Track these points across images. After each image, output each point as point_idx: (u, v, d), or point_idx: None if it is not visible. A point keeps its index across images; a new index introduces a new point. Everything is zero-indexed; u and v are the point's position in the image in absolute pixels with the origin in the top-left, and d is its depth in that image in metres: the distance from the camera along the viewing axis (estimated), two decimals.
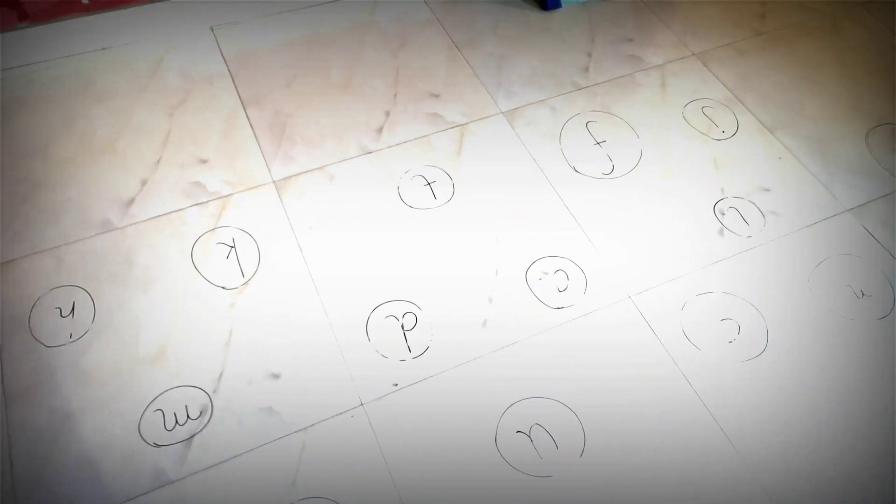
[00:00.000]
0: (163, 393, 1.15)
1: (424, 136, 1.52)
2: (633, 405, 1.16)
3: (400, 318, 1.25)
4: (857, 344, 1.24)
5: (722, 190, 1.46)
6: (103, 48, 1.66)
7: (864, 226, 1.40)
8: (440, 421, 1.14)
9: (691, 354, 1.22)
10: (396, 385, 1.17)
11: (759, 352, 1.23)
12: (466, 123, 1.55)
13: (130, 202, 1.38)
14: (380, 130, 1.52)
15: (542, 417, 1.15)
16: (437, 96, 1.60)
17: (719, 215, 1.41)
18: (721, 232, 1.39)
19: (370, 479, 1.08)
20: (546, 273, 1.32)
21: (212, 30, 1.71)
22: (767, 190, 1.46)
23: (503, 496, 1.07)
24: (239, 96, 1.58)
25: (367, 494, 1.06)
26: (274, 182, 1.42)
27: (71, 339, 1.20)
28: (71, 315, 1.23)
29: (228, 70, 1.63)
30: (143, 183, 1.41)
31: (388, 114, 1.56)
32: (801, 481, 1.09)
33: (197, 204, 1.38)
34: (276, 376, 1.17)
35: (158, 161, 1.45)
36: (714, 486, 1.09)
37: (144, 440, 1.10)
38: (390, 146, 1.50)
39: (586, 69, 1.67)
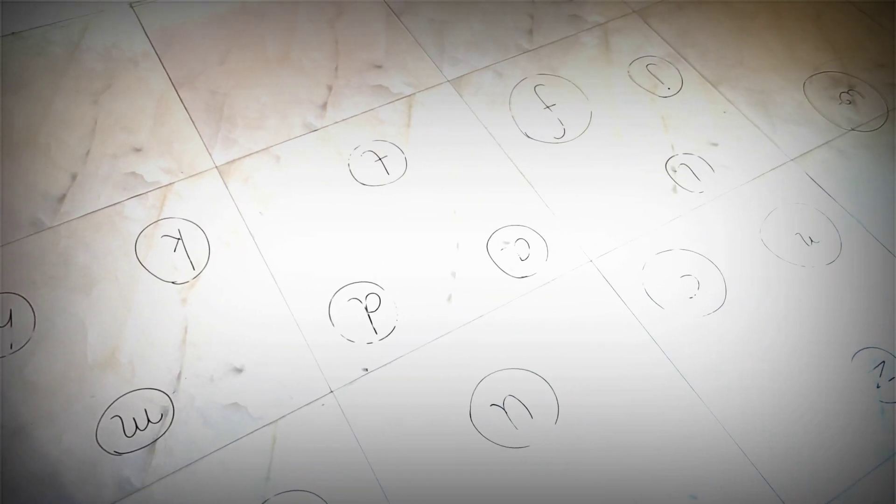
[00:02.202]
0: (119, 398, 1.09)
1: (371, 110, 1.47)
2: (602, 367, 1.17)
3: (363, 299, 1.22)
4: (810, 291, 1.28)
5: (672, 147, 1.47)
6: (13, 32, 1.53)
7: (808, 173, 1.44)
8: (413, 401, 1.12)
9: (654, 313, 1.24)
10: (366, 370, 1.14)
11: (718, 305, 1.26)
12: (413, 94, 1.50)
13: (61, 199, 1.29)
14: (324, 106, 1.46)
15: (514, 388, 1.14)
16: (380, 67, 1.54)
17: (671, 172, 1.42)
18: (674, 189, 1.40)
19: (347, 466, 1.05)
20: (507, 243, 1.30)
21: (131, 6, 1.59)
22: (715, 144, 1.48)
23: (482, 471, 1.06)
24: (169, 77, 1.48)
25: (344, 482, 1.04)
26: (217, 167, 1.35)
27: (12, 350, 1.12)
28: (9, 324, 1.14)
29: (154, 49, 1.53)
30: (73, 177, 1.32)
31: (330, 88, 1.50)
32: (764, 426, 1.13)
33: (135, 196, 1.30)
34: (238, 370, 1.13)
35: (87, 153, 1.35)
36: (682, 436, 1.11)
37: (104, 449, 1.04)
38: (336, 122, 1.44)
39: (530, 31, 1.64)
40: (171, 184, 1.32)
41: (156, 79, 1.48)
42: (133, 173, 1.33)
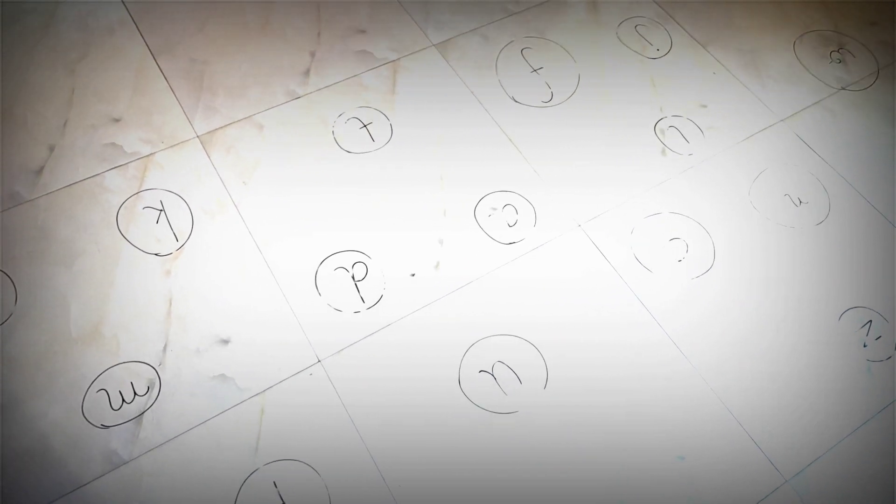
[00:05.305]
0: (104, 372, 1.08)
1: (355, 76, 1.44)
2: (590, 331, 1.17)
3: (350, 268, 1.21)
4: (800, 252, 1.28)
5: (661, 109, 1.45)
6: None
7: (798, 134, 1.43)
8: (401, 369, 1.12)
9: (644, 277, 1.23)
10: (413, 274, 1.15)
11: (707, 268, 1.25)
12: (398, 59, 1.47)
13: (39, 171, 1.26)
14: (307, 73, 1.43)
15: (503, 354, 1.14)
16: (363, 32, 1.51)
17: (660, 135, 1.41)
18: (663, 152, 1.38)
19: (336, 434, 1.05)
20: (495, 209, 1.29)
21: None
22: (704, 106, 1.46)
23: (472, 437, 1.06)
24: (147, 45, 1.45)
25: (334, 450, 1.04)
26: (198, 137, 1.33)
27: None
28: None
29: (131, 17, 1.49)
30: (51, 149, 1.29)
31: (313, 55, 1.46)
32: (754, 389, 1.13)
33: (115, 167, 1.28)
34: (225, 342, 1.12)
35: (65, 123, 1.32)
36: (671, 396, 1.11)
37: (90, 423, 1.04)
38: (319, 89, 1.41)
39: None
40: (151, 154, 1.30)
41: (133, 47, 1.44)
42: (112, 144, 1.30)
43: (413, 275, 1.12)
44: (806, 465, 1.07)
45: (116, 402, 1.06)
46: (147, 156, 1.29)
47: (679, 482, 1.05)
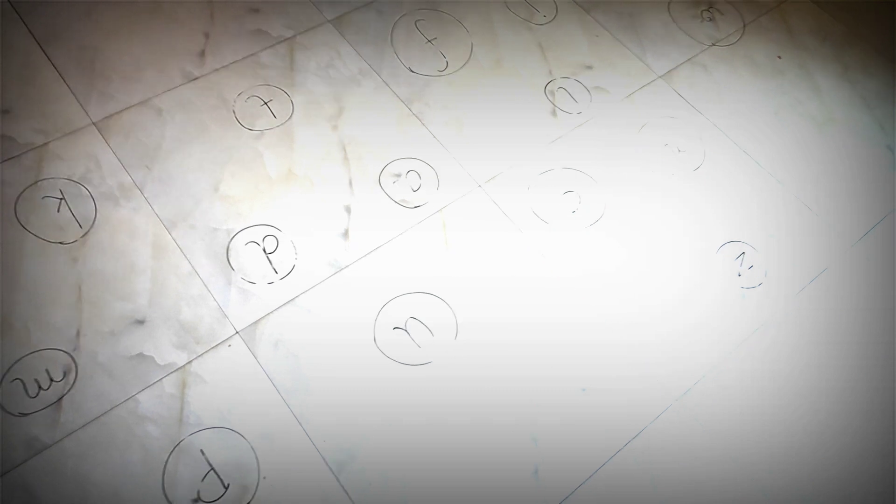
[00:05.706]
0: (17, 362, 1.08)
1: (252, 55, 1.45)
2: (495, 282, 1.25)
3: (260, 242, 1.24)
4: (680, 195, 1.39)
5: (550, 72, 1.53)
6: None
7: (675, 89, 1.54)
8: (319, 334, 1.16)
9: (541, 229, 1.32)
10: (584, 390, 1.17)
11: (598, 216, 1.35)
12: (294, 36, 1.49)
13: None
14: (202, 54, 1.44)
15: (414, 310, 1.21)
16: (257, 11, 1.52)
17: (550, 96, 1.49)
18: (554, 112, 1.47)
19: (260, 401, 1.09)
20: (398, 175, 1.35)
21: None
22: (590, 67, 1.55)
23: (391, 390, 1.13)
24: (32, 35, 1.41)
25: (259, 416, 1.08)
26: (94, 124, 1.32)
27: None
28: None
29: (13, 7, 1.44)
30: None
31: (207, 35, 1.47)
32: (644, 321, 1.24)
33: (8, 159, 1.26)
34: (140, 322, 1.13)
35: None
36: (573, 337, 1.21)
37: (7, 412, 1.04)
38: (216, 69, 1.42)
39: None
40: (45, 144, 1.28)
41: (18, 38, 1.41)
42: (3, 136, 1.27)
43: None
44: (692, 385, 1.19)
45: (33, 389, 1.06)
46: (42, 145, 1.28)
47: (584, 412, 1.15)
